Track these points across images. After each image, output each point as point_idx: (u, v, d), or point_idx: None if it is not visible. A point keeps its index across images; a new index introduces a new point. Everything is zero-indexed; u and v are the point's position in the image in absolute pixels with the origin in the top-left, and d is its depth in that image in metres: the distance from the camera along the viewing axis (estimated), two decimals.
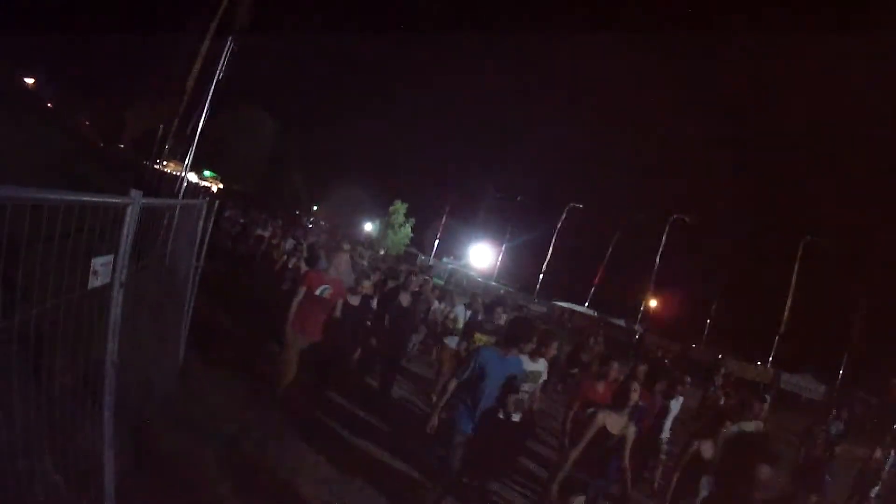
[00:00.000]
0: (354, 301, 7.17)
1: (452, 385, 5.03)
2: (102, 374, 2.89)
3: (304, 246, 11.78)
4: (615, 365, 6.45)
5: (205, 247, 6.71)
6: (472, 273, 43.74)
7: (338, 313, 6.79)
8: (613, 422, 4.86)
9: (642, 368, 7.36)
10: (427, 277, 10.01)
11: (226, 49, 11.36)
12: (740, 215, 54.48)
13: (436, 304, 10.34)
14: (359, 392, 7.79)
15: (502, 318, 8.05)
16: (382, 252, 32.94)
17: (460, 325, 8.96)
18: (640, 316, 40.13)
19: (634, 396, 5.02)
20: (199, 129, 11.65)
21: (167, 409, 4.81)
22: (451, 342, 8.80)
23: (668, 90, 74.30)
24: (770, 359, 34.14)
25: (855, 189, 55.46)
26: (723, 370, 14.46)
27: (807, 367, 31.32)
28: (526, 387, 5.65)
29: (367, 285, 7.53)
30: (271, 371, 6.78)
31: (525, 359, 5.72)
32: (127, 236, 2.82)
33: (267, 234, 14.06)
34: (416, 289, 8.72)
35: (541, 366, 6.09)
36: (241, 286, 11.72)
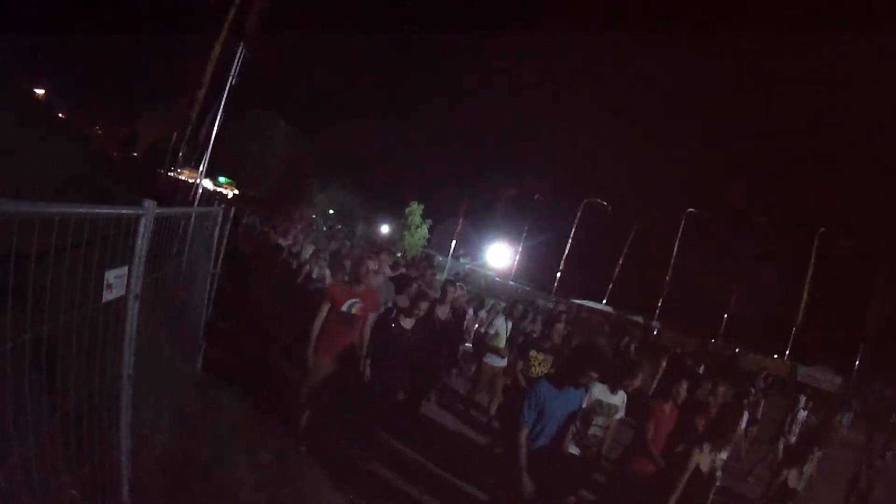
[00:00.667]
0: (407, 324, 6.16)
1: (523, 435, 4.25)
2: (118, 386, 2.87)
3: (326, 253, 10.94)
4: (684, 385, 5.76)
5: (221, 253, 6.70)
6: (489, 273, 43.66)
7: (367, 333, 5.87)
8: (704, 458, 4.42)
9: (723, 390, 7.09)
10: (462, 286, 9.26)
11: (238, 54, 11.36)
12: (756, 208, 53.87)
13: (470, 312, 10.01)
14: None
15: (560, 336, 7.64)
16: (399, 254, 32.88)
17: (503, 341, 8.30)
18: (657, 312, 39.98)
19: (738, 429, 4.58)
20: (213, 136, 11.67)
21: (184, 419, 4.78)
22: (493, 360, 8.26)
23: (684, 86, 73.80)
24: (787, 351, 34.04)
25: (872, 181, 54.96)
26: (764, 373, 13.94)
27: (823, 359, 31.29)
28: (599, 421, 5.38)
29: (425, 306, 6.30)
30: (292, 402, 6.07)
31: (602, 388, 5.43)
32: (141, 247, 2.78)
33: (288, 242, 13.45)
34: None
35: (619, 399, 5.62)
36: (260, 298, 11.24)
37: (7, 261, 1.73)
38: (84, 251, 2.17)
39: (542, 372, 6.86)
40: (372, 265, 6.36)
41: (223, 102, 11.44)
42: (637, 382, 6.08)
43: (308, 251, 11.86)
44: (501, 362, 8.23)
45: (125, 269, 2.66)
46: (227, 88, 11.39)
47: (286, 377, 7.25)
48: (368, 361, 5.84)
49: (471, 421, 8.49)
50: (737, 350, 32.23)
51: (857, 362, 30.23)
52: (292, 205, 43.32)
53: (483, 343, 8.64)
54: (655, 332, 34.04)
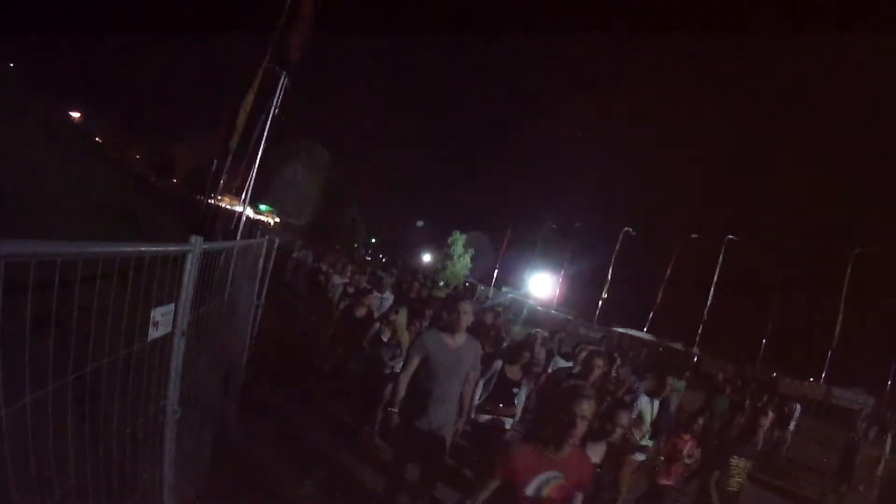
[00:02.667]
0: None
1: None
2: (163, 422, 2.84)
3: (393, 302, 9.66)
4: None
5: (265, 285, 6.71)
6: (531, 302, 43.44)
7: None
8: None
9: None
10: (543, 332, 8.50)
11: (280, 83, 11.48)
12: (791, 231, 53.24)
13: (559, 360, 8.79)
14: None
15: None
16: (442, 284, 32.84)
17: (648, 428, 6.60)
18: (697, 339, 39.45)
19: None
20: (256, 164, 11.77)
21: (225, 454, 4.75)
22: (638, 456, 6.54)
23: (723, 113, 73.33)
24: (823, 374, 33.89)
25: None
26: (864, 412, 14.01)
27: (858, 382, 31.14)
28: None
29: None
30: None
31: None
32: (188, 284, 2.76)
33: (345, 280, 11.55)
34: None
35: None
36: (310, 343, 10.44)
37: (49, 294, 1.70)
38: (129, 287, 2.15)
39: (740, 484, 5.79)
40: (466, 307, 5.83)
41: (266, 130, 11.54)
42: None
43: (373, 300, 9.73)
44: (641, 455, 6.59)
45: (171, 307, 2.65)
46: (270, 116, 11.49)
47: (330, 416, 7.23)
48: None
49: None
50: (774, 375, 31.66)
51: (889, 383, 30.87)
52: (334, 234, 43.70)
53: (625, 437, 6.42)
54: (696, 360, 33.54)
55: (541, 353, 8.54)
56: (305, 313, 13.16)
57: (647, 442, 6.54)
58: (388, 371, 6.78)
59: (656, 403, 6.65)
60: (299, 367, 9.14)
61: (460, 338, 4.59)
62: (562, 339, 10.35)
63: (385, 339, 7.18)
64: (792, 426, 12.42)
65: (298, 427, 6.57)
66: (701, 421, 6.56)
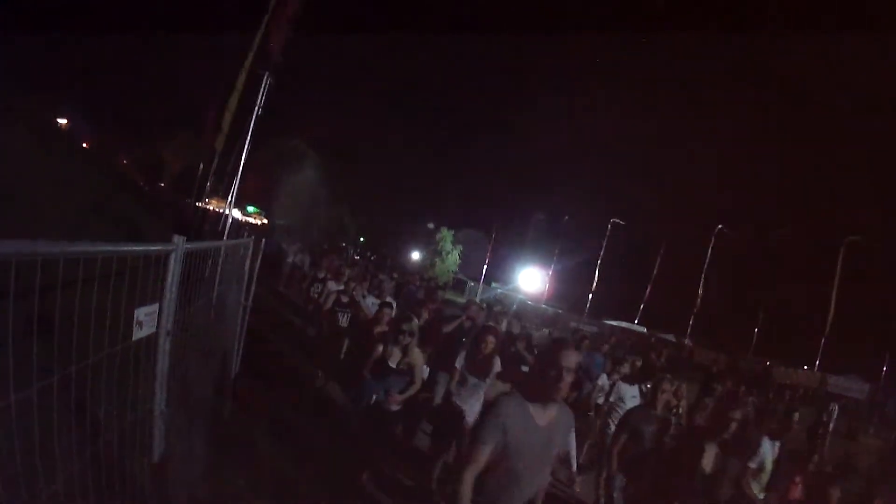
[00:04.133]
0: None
1: None
2: (150, 423, 2.85)
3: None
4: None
5: (253, 285, 6.71)
6: (520, 296, 43.51)
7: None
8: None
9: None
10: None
11: (263, 83, 11.46)
12: (783, 220, 53.50)
13: (624, 389, 7.83)
14: None
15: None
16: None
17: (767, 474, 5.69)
18: (689, 330, 39.70)
19: None
20: (241, 166, 11.74)
21: (214, 454, 4.75)
22: None
23: (707, 103, 73.63)
24: (817, 362, 34.18)
25: None
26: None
27: (852, 368, 31.47)
28: None
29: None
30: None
31: None
32: (171, 284, 2.78)
33: (339, 287, 10.05)
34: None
35: None
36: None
37: (32, 296, 1.71)
38: (112, 287, 2.15)
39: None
40: (492, 339, 5.94)
41: (251, 132, 11.52)
42: None
43: (369, 302, 9.67)
44: None
45: (155, 307, 2.66)
46: (254, 117, 11.47)
47: (318, 415, 7.23)
48: None
49: None
50: (768, 363, 31.88)
51: (885, 369, 30.88)
52: (321, 234, 43.56)
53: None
54: (688, 351, 33.77)
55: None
56: (301, 327, 12.25)
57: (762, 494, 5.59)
58: (395, 409, 5.75)
59: (777, 446, 5.76)
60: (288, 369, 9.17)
61: (553, 409, 3.09)
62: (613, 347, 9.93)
63: (394, 365, 5.71)
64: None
65: (292, 426, 6.57)
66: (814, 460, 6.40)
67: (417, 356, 5.81)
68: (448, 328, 8.05)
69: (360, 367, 5.86)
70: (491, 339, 6.09)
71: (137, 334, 2.48)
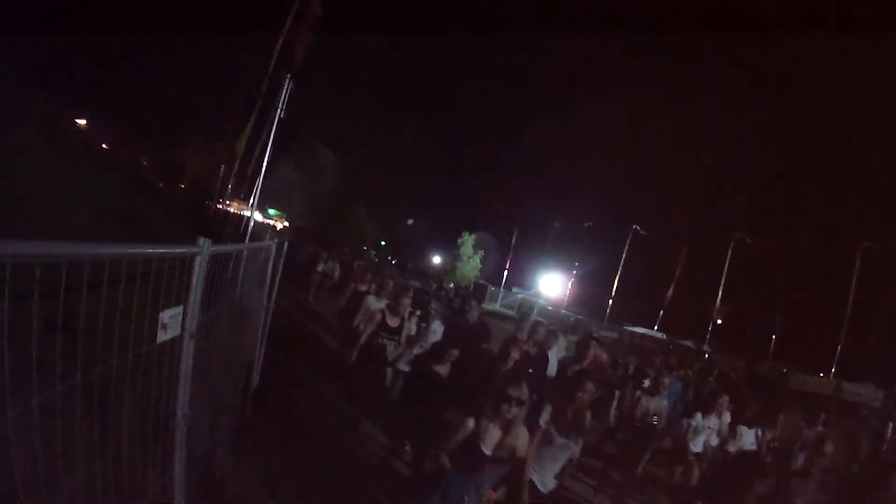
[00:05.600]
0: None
1: None
2: (173, 424, 2.84)
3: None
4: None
5: (275, 288, 6.67)
6: (541, 301, 43.35)
7: None
8: None
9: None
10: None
11: (285, 87, 11.48)
12: (800, 227, 53.13)
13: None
14: None
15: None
16: (452, 285, 32.70)
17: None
18: (707, 336, 39.37)
19: None
20: (263, 168, 11.77)
21: (234, 456, 4.74)
22: None
23: (729, 111, 73.21)
24: (833, 370, 33.83)
25: None
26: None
27: (868, 375, 30.78)
28: None
29: None
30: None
31: None
32: (196, 286, 2.77)
33: (383, 304, 7.74)
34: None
35: None
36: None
37: (56, 296, 1.70)
38: (137, 289, 2.14)
39: None
40: (591, 387, 4.85)
41: (272, 135, 11.55)
42: None
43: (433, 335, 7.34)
44: None
45: (180, 309, 2.65)
46: (276, 121, 11.50)
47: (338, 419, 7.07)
48: None
49: None
50: (784, 371, 31.55)
51: None
52: (343, 237, 43.62)
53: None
54: (706, 357, 33.47)
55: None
56: (337, 353, 9.69)
57: None
58: None
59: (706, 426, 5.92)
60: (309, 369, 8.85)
61: None
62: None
63: (489, 451, 4.02)
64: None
65: (313, 430, 6.52)
66: None
67: (523, 438, 4.18)
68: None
69: (436, 447, 4.07)
70: (590, 386, 4.95)
71: (162, 337, 2.47)
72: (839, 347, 34.04)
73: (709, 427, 6.73)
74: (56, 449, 1.83)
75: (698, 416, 6.83)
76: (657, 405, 6.84)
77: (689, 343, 37.03)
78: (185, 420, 2.89)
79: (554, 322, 31.41)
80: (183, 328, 2.71)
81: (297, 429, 6.27)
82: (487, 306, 29.73)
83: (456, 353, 5.60)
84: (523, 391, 4.02)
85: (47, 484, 1.81)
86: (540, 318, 9.11)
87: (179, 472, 2.94)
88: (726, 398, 7.11)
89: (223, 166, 13.01)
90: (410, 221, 55.49)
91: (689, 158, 72.67)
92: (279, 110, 11.42)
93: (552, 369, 6.53)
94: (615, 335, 36.28)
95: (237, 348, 4.96)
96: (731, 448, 6.48)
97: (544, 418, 4.77)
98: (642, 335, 37.92)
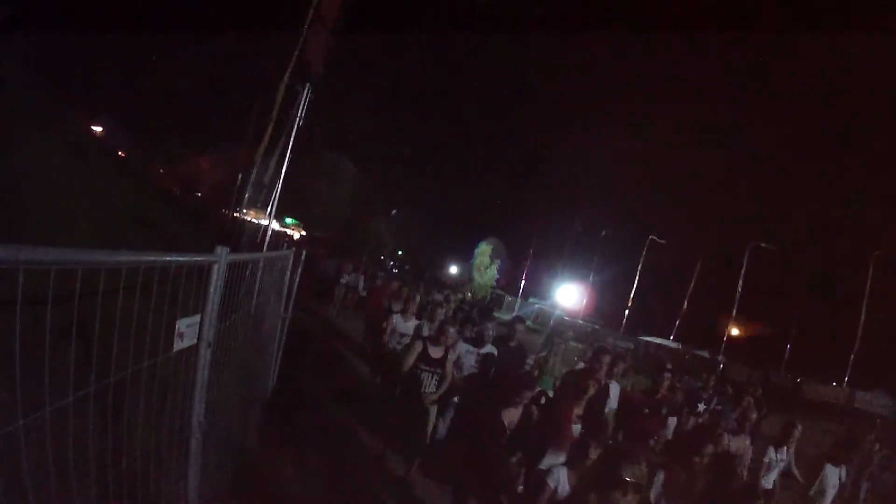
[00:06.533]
0: None
1: None
2: (188, 432, 2.81)
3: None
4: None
5: (292, 297, 6.67)
6: (557, 312, 43.25)
7: None
8: None
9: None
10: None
11: (303, 95, 11.48)
12: (815, 235, 52.81)
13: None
14: None
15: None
16: (469, 295, 32.70)
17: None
18: (723, 346, 39.10)
19: None
20: (282, 177, 11.77)
21: (248, 464, 4.71)
22: None
23: (748, 121, 72.98)
24: (846, 378, 33.76)
25: None
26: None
27: (881, 384, 30.58)
28: None
29: None
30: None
31: None
32: (214, 295, 2.75)
33: (415, 323, 7.86)
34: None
35: None
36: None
37: (71, 303, 1.68)
38: (154, 297, 2.12)
39: None
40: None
41: (291, 143, 11.55)
42: None
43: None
44: None
45: (197, 318, 2.63)
46: (294, 129, 11.49)
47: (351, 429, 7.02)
48: None
49: None
50: (798, 380, 31.25)
51: None
52: (360, 246, 43.68)
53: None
54: (721, 367, 33.20)
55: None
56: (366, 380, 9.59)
57: None
58: None
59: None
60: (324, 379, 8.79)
61: None
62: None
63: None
64: None
65: (325, 446, 6.41)
66: None
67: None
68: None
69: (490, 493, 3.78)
70: (710, 449, 4.64)
71: (178, 345, 2.46)
72: (852, 357, 34.11)
73: (781, 460, 6.16)
74: (69, 458, 1.80)
75: (771, 449, 6.22)
76: (739, 445, 6.03)
77: (705, 353, 36.78)
78: (200, 429, 2.87)
79: (581, 336, 31.31)
80: (200, 337, 2.69)
81: (308, 459, 5.69)
82: (504, 316, 29.63)
83: (529, 395, 5.06)
84: (640, 472, 3.22)
85: (59, 493, 1.78)
86: (603, 344, 8.59)
87: (194, 480, 2.92)
88: (799, 428, 6.38)
89: (240, 174, 13.01)
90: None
91: (709, 168, 72.31)
92: (298, 119, 11.43)
93: (613, 401, 5.89)
94: (631, 346, 36.03)
95: (254, 357, 4.95)
96: (812, 491, 5.87)
97: (656, 489, 4.26)
98: (658, 345, 37.66)
